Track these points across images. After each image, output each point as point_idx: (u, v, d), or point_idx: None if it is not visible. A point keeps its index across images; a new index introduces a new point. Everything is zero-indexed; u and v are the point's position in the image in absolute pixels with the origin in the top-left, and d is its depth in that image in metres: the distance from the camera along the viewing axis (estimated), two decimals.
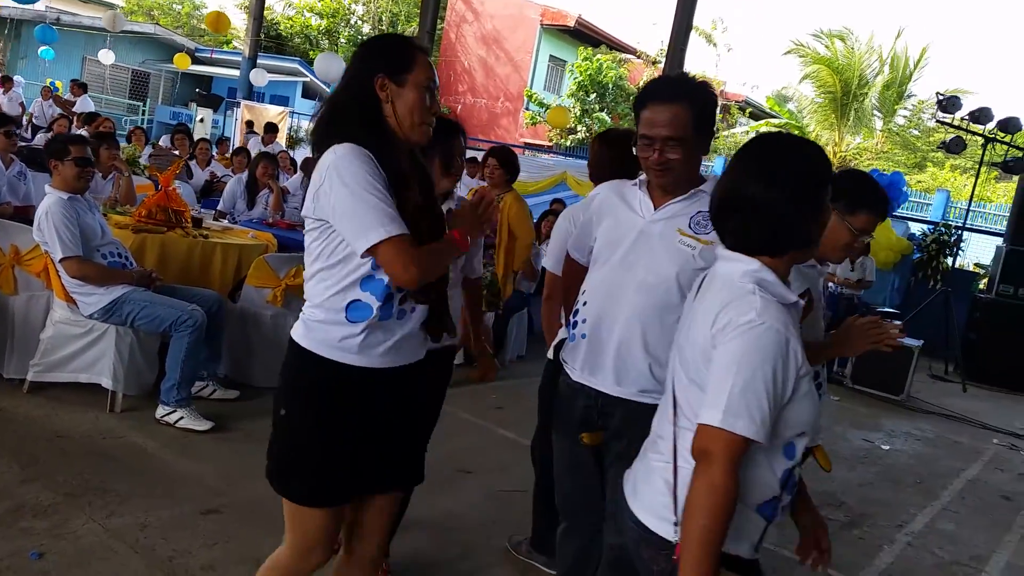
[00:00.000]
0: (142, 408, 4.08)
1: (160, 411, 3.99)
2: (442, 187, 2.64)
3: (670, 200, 2.19)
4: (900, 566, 3.88)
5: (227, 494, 3.36)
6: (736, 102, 31.02)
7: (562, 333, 2.70)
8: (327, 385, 1.92)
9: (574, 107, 22.78)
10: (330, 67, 14.20)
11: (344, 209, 1.80)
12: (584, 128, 22.45)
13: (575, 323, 2.31)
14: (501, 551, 3.30)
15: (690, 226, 2.14)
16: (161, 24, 26.32)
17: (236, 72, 19.72)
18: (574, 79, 23.51)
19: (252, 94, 18.99)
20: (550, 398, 2.61)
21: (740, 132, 29.22)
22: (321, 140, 1.91)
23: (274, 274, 4.71)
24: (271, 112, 18.02)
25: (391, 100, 1.92)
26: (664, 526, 1.60)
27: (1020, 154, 10.13)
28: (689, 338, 1.63)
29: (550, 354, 2.91)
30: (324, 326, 1.91)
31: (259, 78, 17.58)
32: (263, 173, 6.74)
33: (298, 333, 1.96)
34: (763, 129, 27.91)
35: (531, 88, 26.66)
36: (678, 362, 1.67)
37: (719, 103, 29.29)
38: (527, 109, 25.65)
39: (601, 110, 23.10)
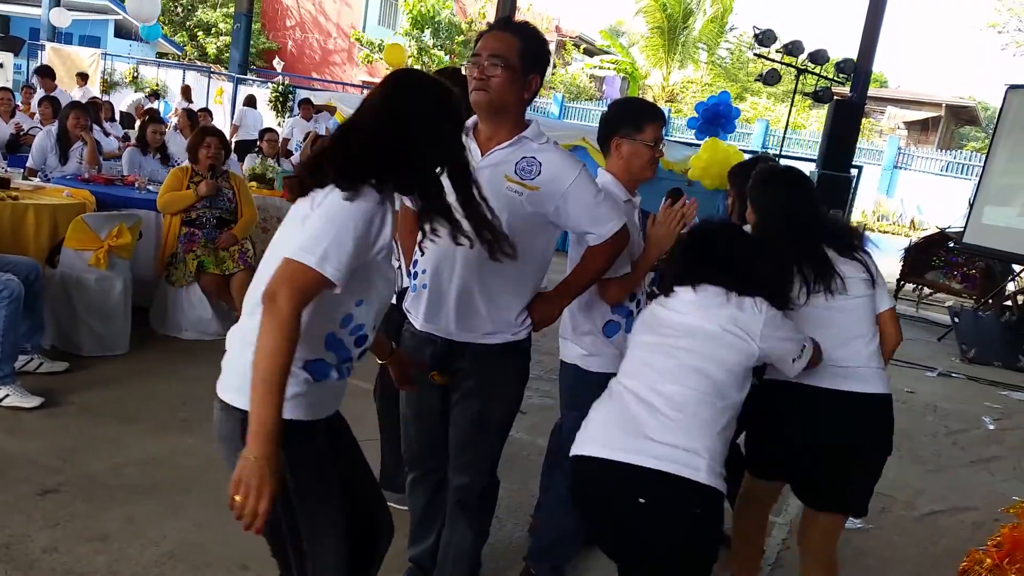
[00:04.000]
0: None
1: None
2: None
3: (495, 146, 2.24)
4: None
5: (64, 472, 3.22)
6: (570, 38, 31.43)
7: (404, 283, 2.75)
8: None
9: (410, 45, 22.35)
10: (143, 6, 13.24)
11: None
12: (422, 67, 22.14)
13: (415, 274, 2.35)
14: None
15: (516, 172, 2.21)
16: None
17: (38, 11, 17.95)
18: (407, 15, 23.01)
19: (57, 35, 17.39)
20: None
21: (576, 68, 29.70)
22: None
23: (94, 235, 4.46)
24: (81, 55, 16.60)
25: None
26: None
27: (828, 84, 10.94)
28: None
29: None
30: None
31: (61, 18, 16.11)
32: (75, 124, 6.26)
33: None
34: (598, 65, 28.50)
35: (365, 24, 25.86)
36: None
37: (555, 39, 29.43)
38: (361, 47, 24.90)
39: (437, 47, 22.81)
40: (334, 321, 1.70)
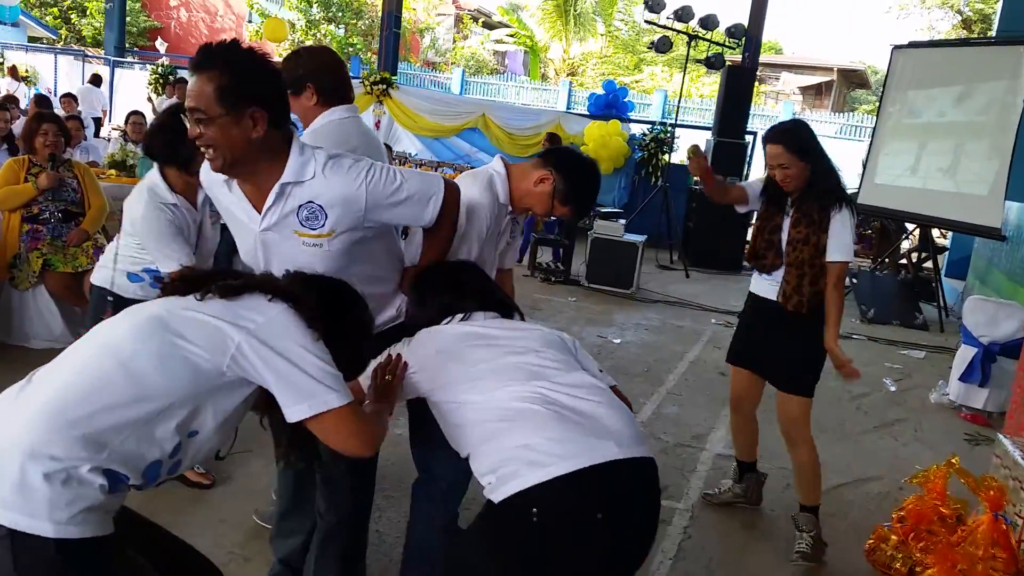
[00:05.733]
0: None
1: None
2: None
3: (266, 204, 1.94)
4: None
5: None
6: (468, 12, 30.92)
7: None
8: None
9: (299, 19, 21.50)
10: None
11: None
12: (314, 41, 21.33)
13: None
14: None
15: (302, 224, 1.96)
16: None
17: None
18: None
19: None
20: None
21: (475, 43, 29.25)
22: None
23: None
24: None
25: None
26: None
27: (720, 50, 10.88)
28: None
29: None
30: None
31: None
32: None
33: None
34: (498, 39, 28.12)
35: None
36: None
37: (453, 13, 28.94)
38: (249, 23, 23.89)
39: (328, 22, 22.02)
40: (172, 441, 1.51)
